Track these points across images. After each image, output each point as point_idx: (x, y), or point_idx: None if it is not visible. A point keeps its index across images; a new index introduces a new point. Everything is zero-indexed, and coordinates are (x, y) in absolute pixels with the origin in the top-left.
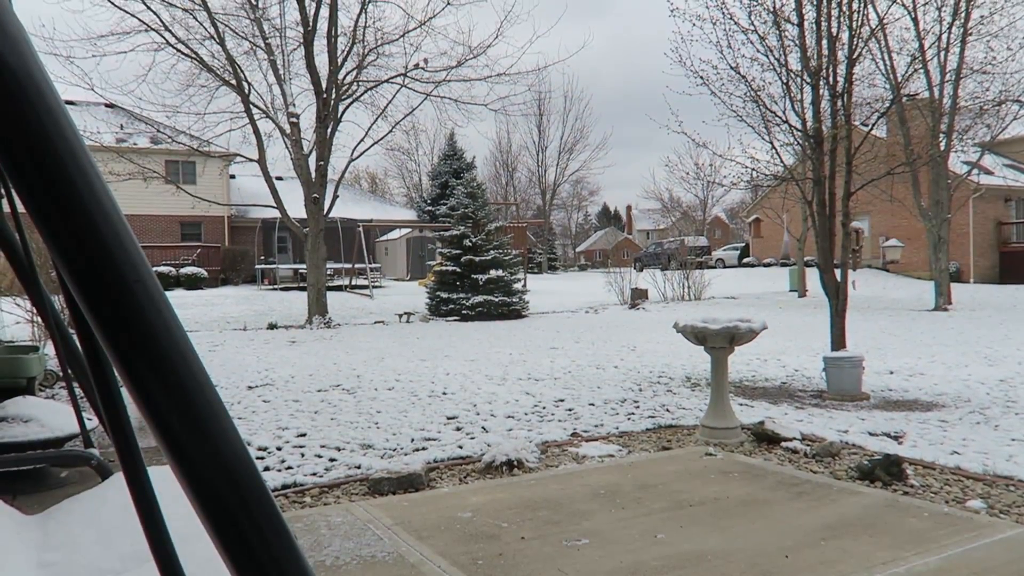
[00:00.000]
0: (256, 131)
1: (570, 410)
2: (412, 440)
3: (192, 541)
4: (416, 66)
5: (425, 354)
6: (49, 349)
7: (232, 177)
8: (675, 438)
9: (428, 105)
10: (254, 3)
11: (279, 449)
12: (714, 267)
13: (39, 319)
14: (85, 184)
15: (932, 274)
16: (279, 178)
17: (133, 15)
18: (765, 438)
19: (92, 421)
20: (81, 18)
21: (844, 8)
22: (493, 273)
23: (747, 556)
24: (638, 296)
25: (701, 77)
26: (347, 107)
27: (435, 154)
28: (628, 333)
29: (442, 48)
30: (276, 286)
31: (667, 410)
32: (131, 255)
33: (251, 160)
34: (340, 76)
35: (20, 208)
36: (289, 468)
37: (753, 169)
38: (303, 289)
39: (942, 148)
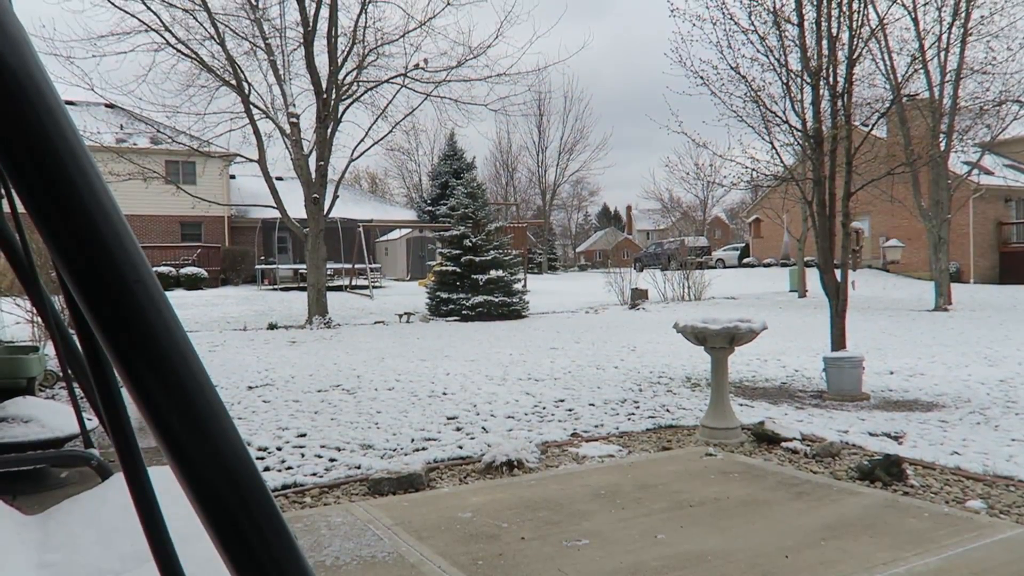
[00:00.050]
0: (256, 131)
1: (570, 410)
2: (412, 440)
3: (192, 541)
4: (416, 66)
5: (425, 354)
6: (49, 349)
7: (232, 177)
8: (675, 438)
9: (428, 105)
10: (254, 3)
11: (279, 449)
12: (714, 267)
13: (39, 319)
14: (85, 184)
15: (932, 274)
16: (279, 178)
17: (133, 15)
18: (765, 438)
19: (92, 421)
20: (81, 18)
21: (844, 8)
22: (493, 273)
23: (747, 556)
24: (638, 296)
25: (701, 77)
26: (347, 107)
27: (435, 154)
28: (628, 333)
29: (442, 48)
30: (276, 286)
31: (667, 410)
32: (131, 255)
33: (251, 160)
34: (340, 76)
35: (20, 208)
36: (289, 468)
37: (753, 169)
38: (303, 289)
39: (942, 148)
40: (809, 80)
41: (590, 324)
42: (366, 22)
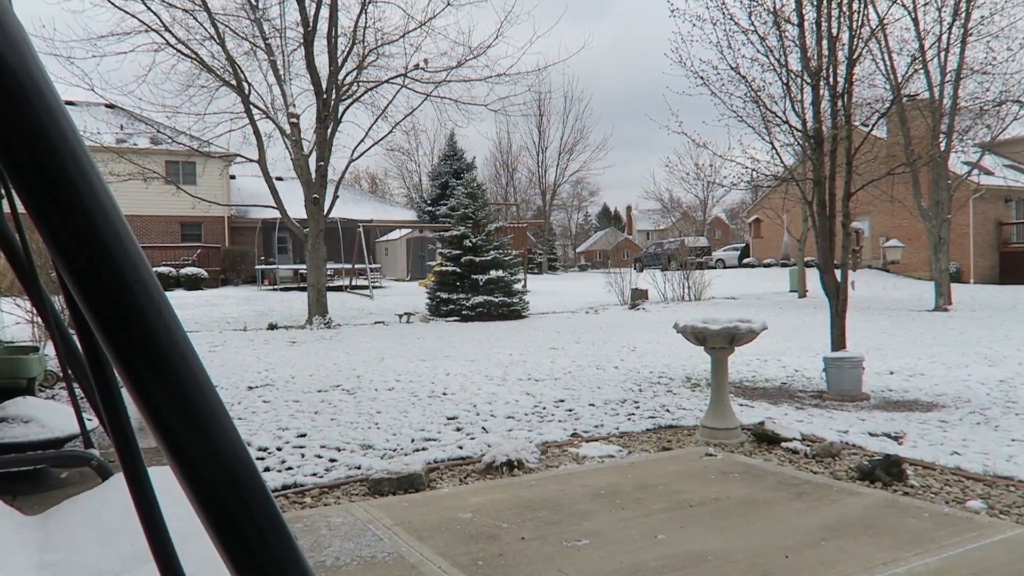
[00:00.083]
0: (256, 131)
1: (570, 410)
2: (412, 440)
3: (192, 541)
4: (416, 66)
5: (425, 354)
6: (49, 349)
7: (232, 177)
8: (675, 438)
9: (428, 105)
10: (254, 4)
11: (279, 449)
12: (714, 267)
13: (39, 319)
14: (85, 184)
15: (932, 274)
16: (279, 178)
17: (133, 15)
18: (765, 438)
19: (92, 421)
20: (81, 18)
21: (844, 8)
22: (493, 273)
23: (747, 556)
24: (638, 296)
25: (701, 77)
26: (347, 107)
27: (435, 154)
28: (628, 333)
29: (442, 48)
30: (276, 286)
31: (667, 410)
32: (131, 255)
33: (251, 160)
34: (340, 76)
35: (20, 208)
36: (289, 468)
37: (753, 169)
38: (303, 289)
39: (942, 148)
40: (809, 80)
41: (590, 324)
42: (366, 22)
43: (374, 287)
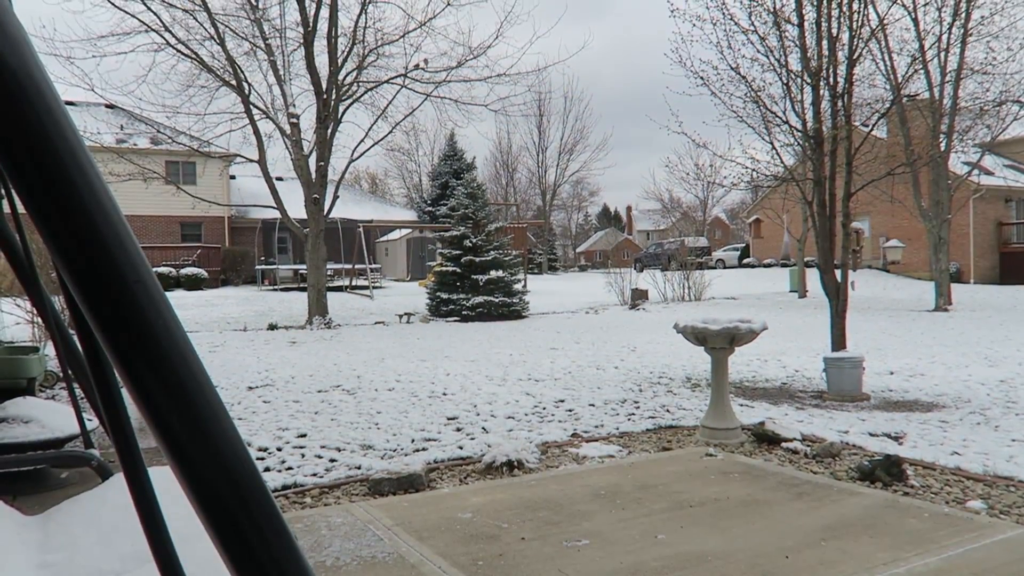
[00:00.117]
0: (256, 132)
1: (570, 411)
2: (412, 441)
3: (192, 541)
4: (416, 67)
5: (425, 355)
6: (49, 350)
7: (232, 178)
8: (675, 439)
9: (428, 105)
10: (254, 4)
11: (279, 450)
12: (714, 268)
13: (39, 320)
14: (85, 184)
15: (932, 275)
16: (279, 178)
17: (133, 15)
18: (765, 439)
19: (92, 422)
20: (81, 19)
21: (844, 9)
22: (493, 274)
23: (747, 557)
24: (638, 297)
25: (701, 78)
26: (347, 108)
27: (435, 155)
28: (628, 334)
29: (442, 49)
30: (276, 287)
31: (667, 411)
32: (131, 255)
33: (251, 161)
34: (340, 77)
35: (20, 208)
36: (289, 469)
37: (753, 170)
38: (303, 290)
39: (942, 149)
40: (809, 80)
41: (590, 324)
42: (366, 22)
43: (374, 287)
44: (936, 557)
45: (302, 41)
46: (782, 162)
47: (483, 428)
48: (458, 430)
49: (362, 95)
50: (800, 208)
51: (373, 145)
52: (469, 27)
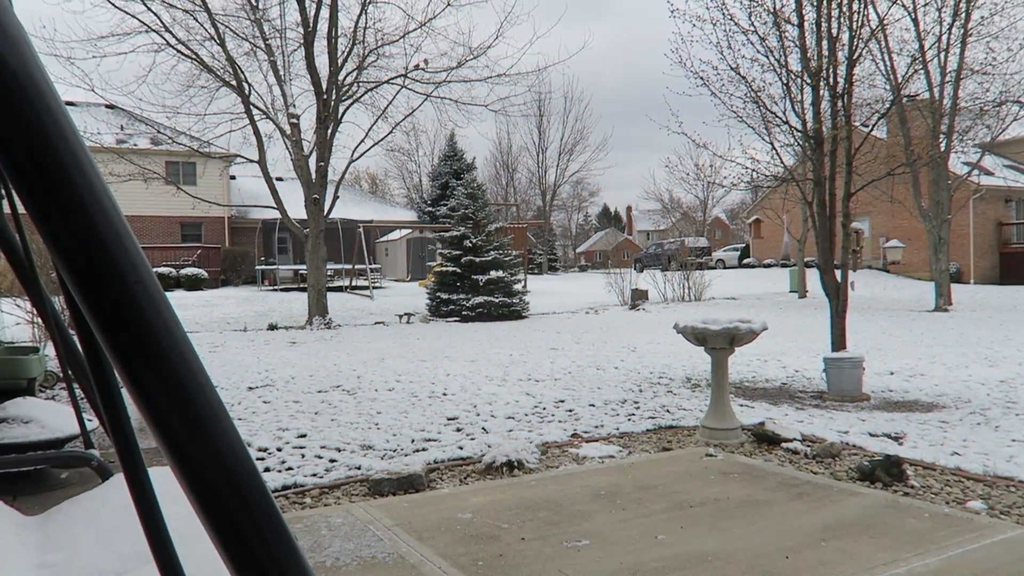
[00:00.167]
0: (256, 132)
1: (570, 411)
2: (412, 441)
3: (192, 541)
4: (416, 67)
5: (425, 355)
6: (49, 350)
7: (232, 178)
8: (675, 439)
9: (428, 106)
10: (254, 4)
11: (279, 450)
12: (714, 268)
13: (39, 320)
14: (85, 184)
15: (932, 275)
16: (279, 179)
17: (133, 16)
18: (765, 439)
19: (92, 422)
20: (81, 19)
21: (844, 9)
22: (493, 274)
23: (747, 557)
24: (638, 297)
25: (701, 78)
26: (347, 108)
27: (435, 155)
28: (628, 334)
29: (442, 49)
30: (276, 287)
31: (667, 411)
32: (131, 255)
33: (251, 161)
34: (340, 77)
35: (20, 208)
36: (289, 469)
37: (753, 170)
38: (303, 290)
39: (942, 149)
40: (809, 81)
41: (590, 325)
42: (366, 23)
43: (374, 287)
44: (936, 557)
45: (302, 41)
46: (782, 162)
47: (483, 428)
48: (458, 430)
49: (362, 95)
50: (800, 208)
51: (373, 145)
52: (469, 27)
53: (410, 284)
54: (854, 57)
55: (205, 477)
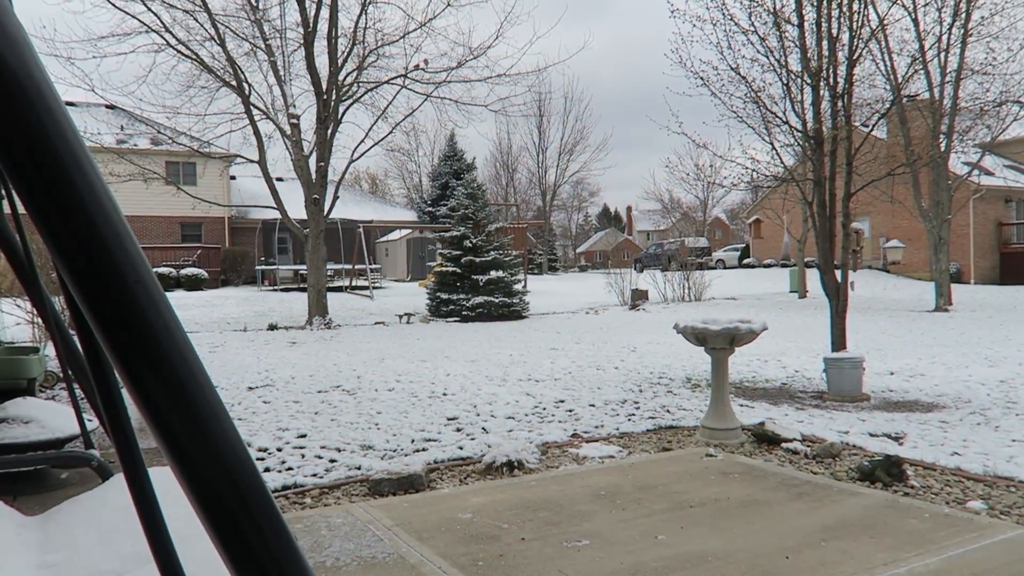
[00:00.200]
0: (256, 132)
1: (570, 411)
2: (412, 441)
3: (192, 541)
4: (416, 67)
5: (425, 355)
6: (49, 350)
7: (232, 178)
8: (675, 439)
9: (428, 106)
10: (254, 4)
11: (279, 450)
12: (714, 268)
13: (39, 320)
14: (85, 184)
15: (932, 275)
16: (279, 179)
17: (134, 16)
18: (765, 439)
19: (92, 422)
20: (81, 19)
21: (844, 9)
22: (493, 274)
23: (747, 557)
24: (638, 297)
25: (701, 78)
26: (347, 108)
27: (435, 155)
28: (628, 334)
29: (442, 49)
30: (276, 287)
31: (667, 411)
32: (131, 255)
33: (251, 161)
34: (340, 77)
35: (20, 208)
36: (289, 469)
37: (753, 170)
38: (303, 290)
39: (942, 149)
40: (809, 81)
41: (590, 325)
42: (366, 23)
43: (374, 287)
44: (936, 557)
45: (302, 42)
46: (782, 162)
47: (483, 428)
48: (458, 430)
49: (362, 95)
50: (800, 208)
51: (373, 145)
52: (469, 27)
53: (410, 284)
54: (854, 57)
55: (205, 477)
